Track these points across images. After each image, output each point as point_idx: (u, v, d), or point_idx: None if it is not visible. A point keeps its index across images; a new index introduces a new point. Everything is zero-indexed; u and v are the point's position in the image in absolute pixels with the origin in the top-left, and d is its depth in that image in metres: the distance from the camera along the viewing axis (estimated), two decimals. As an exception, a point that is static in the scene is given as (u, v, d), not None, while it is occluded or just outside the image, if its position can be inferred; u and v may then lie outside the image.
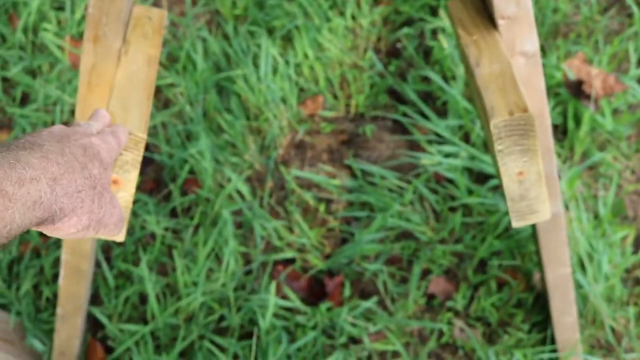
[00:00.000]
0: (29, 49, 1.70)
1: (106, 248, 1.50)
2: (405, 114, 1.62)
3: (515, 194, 0.90)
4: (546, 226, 1.17)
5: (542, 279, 1.32)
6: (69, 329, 1.30)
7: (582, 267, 1.44)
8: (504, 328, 1.43)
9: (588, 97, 1.56)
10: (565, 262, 1.23)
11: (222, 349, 1.42)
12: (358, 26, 1.71)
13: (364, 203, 1.54)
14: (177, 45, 1.69)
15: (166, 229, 1.52)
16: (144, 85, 0.89)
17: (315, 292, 1.47)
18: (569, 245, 1.35)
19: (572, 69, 1.59)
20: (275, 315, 1.43)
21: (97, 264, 1.47)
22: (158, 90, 1.65)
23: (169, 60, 1.68)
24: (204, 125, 1.58)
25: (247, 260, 1.50)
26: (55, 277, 1.47)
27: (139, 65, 0.90)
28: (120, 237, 0.80)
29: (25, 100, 1.66)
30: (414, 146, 1.59)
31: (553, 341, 1.38)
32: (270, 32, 1.70)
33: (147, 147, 1.58)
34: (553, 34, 1.69)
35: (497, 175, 0.97)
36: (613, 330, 1.41)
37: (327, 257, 1.50)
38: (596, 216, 1.50)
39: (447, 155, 1.55)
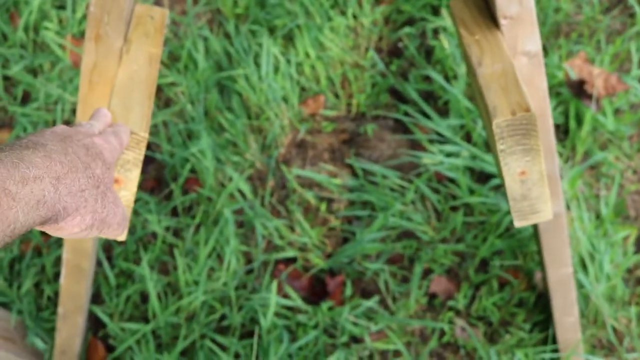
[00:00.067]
0: (30, 47, 1.69)
1: (107, 247, 1.50)
2: (406, 114, 1.62)
3: (517, 194, 0.90)
4: (548, 226, 1.17)
5: (544, 279, 1.32)
6: (70, 327, 1.30)
7: (584, 266, 1.44)
8: (505, 327, 1.43)
9: (590, 96, 1.56)
10: (566, 262, 1.23)
11: (223, 348, 1.41)
12: (359, 25, 1.70)
13: (365, 202, 1.54)
14: (178, 44, 1.68)
15: (167, 228, 1.52)
16: (146, 84, 0.89)
17: (316, 291, 1.47)
18: (570, 245, 1.35)
19: (574, 68, 1.58)
20: (277, 314, 1.43)
21: (99, 263, 1.47)
22: (159, 89, 1.65)
23: (171, 59, 1.68)
24: (205, 124, 1.58)
25: (248, 259, 1.50)
26: (57, 275, 1.47)
27: (141, 64, 0.90)
28: (122, 236, 0.79)
29: (26, 99, 1.66)
30: (416, 145, 1.59)
31: (554, 341, 1.38)
32: (272, 31, 1.70)
33: (149, 146, 1.58)
34: (555, 33, 1.69)
35: (499, 175, 0.97)
36: (615, 330, 1.41)
37: (329, 256, 1.50)
38: (598, 216, 1.50)
39: (449, 154, 1.55)
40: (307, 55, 1.66)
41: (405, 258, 1.49)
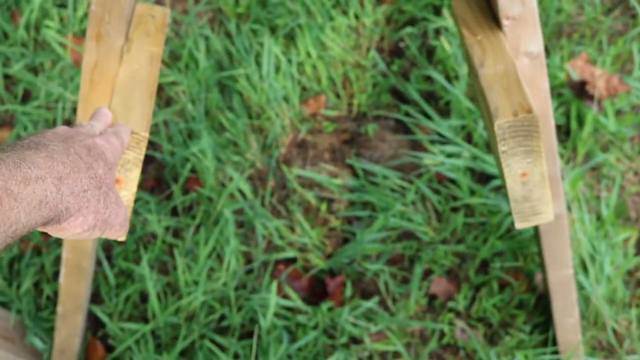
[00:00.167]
0: (31, 46, 1.69)
1: (107, 246, 1.50)
2: (407, 114, 1.61)
3: (518, 195, 0.90)
4: (549, 227, 1.17)
5: (544, 280, 1.32)
6: (70, 327, 1.30)
7: (584, 268, 1.43)
8: (505, 329, 1.43)
9: (591, 97, 1.55)
10: (567, 264, 1.23)
11: (222, 349, 1.41)
12: (361, 25, 1.70)
13: (366, 203, 1.53)
14: (179, 44, 1.68)
15: (167, 228, 1.51)
16: (146, 84, 0.88)
17: (316, 292, 1.47)
18: (571, 247, 1.34)
19: (576, 69, 1.58)
20: (276, 314, 1.42)
21: (98, 263, 1.47)
22: (160, 89, 1.64)
23: (172, 59, 1.68)
24: (206, 124, 1.58)
25: (248, 259, 1.50)
26: (56, 275, 1.47)
27: (142, 64, 0.90)
28: (122, 236, 0.79)
29: (27, 97, 1.66)
30: (416, 146, 1.58)
31: (555, 342, 1.38)
32: (273, 30, 1.69)
33: (149, 145, 1.58)
34: (557, 34, 1.69)
35: (500, 176, 0.97)
36: (615, 332, 1.41)
37: (329, 256, 1.50)
38: (599, 217, 1.50)
39: (450, 155, 1.55)
40: (309, 54, 1.66)
41: (405, 259, 1.49)
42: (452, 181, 1.54)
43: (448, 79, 1.63)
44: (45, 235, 1.49)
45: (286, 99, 1.61)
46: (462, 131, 1.57)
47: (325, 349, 1.41)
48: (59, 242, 1.48)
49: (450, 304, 1.44)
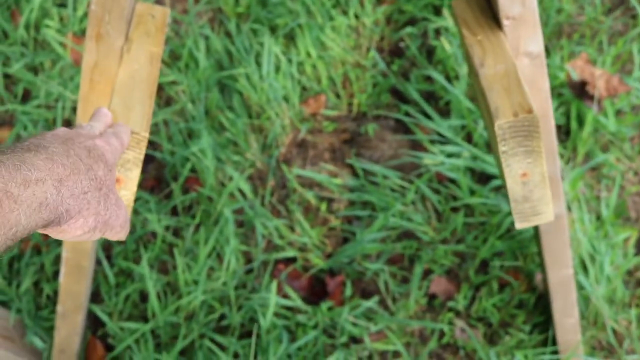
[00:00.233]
0: (31, 45, 1.69)
1: (107, 246, 1.50)
2: (407, 114, 1.61)
3: (518, 196, 0.90)
4: (549, 227, 1.17)
5: (544, 280, 1.32)
6: (69, 326, 1.29)
7: (584, 268, 1.43)
8: (505, 329, 1.43)
9: (591, 97, 1.55)
10: (567, 264, 1.23)
11: (222, 348, 1.41)
12: (361, 25, 1.70)
13: (366, 202, 1.53)
14: (179, 43, 1.68)
15: (167, 227, 1.51)
16: (146, 83, 0.88)
17: (316, 292, 1.47)
18: (571, 247, 1.34)
19: (576, 69, 1.58)
20: (276, 314, 1.42)
21: (98, 262, 1.47)
22: (160, 88, 1.64)
23: (172, 58, 1.68)
24: (206, 124, 1.58)
25: (248, 259, 1.50)
26: (56, 274, 1.47)
27: (142, 63, 0.90)
28: (123, 237, 0.79)
29: (26, 97, 1.66)
30: (416, 146, 1.58)
31: (554, 342, 1.38)
32: (273, 30, 1.69)
33: (149, 145, 1.57)
34: (557, 34, 1.69)
35: (501, 176, 0.97)
36: (614, 332, 1.41)
37: (329, 256, 1.50)
38: (598, 217, 1.50)
39: (450, 155, 1.55)
40: (309, 54, 1.66)
41: (405, 258, 1.49)
42: (452, 181, 1.54)
43: (448, 79, 1.63)
44: (45, 234, 1.49)
45: (286, 99, 1.61)
46: (462, 131, 1.57)
47: (325, 348, 1.41)
48: (58, 242, 1.48)
49: (450, 304, 1.44)
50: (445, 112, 1.61)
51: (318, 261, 1.48)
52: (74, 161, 0.60)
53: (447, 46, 1.63)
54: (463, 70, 1.60)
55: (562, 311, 1.30)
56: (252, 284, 1.46)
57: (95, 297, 1.46)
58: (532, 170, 0.88)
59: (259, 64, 1.64)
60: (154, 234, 1.51)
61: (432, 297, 1.46)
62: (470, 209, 1.52)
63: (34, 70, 1.68)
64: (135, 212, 1.51)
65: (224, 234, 1.47)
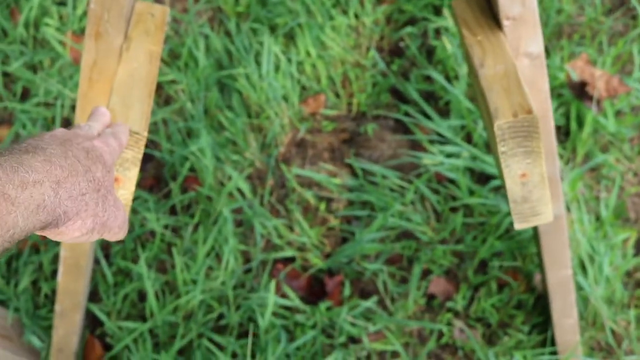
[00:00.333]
0: (30, 43, 1.69)
1: (105, 245, 1.50)
2: (407, 114, 1.61)
3: (517, 196, 0.90)
4: (548, 228, 1.16)
5: (543, 281, 1.32)
6: (68, 325, 1.29)
7: (583, 269, 1.43)
8: (504, 329, 1.43)
9: (591, 98, 1.55)
10: (566, 264, 1.22)
11: (220, 348, 1.41)
12: (361, 25, 1.70)
13: (365, 202, 1.53)
14: (179, 42, 1.68)
15: (166, 227, 1.51)
16: (145, 82, 0.88)
17: (314, 291, 1.47)
18: (570, 247, 1.34)
19: (576, 70, 1.58)
20: (275, 314, 1.42)
21: (96, 261, 1.46)
22: (159, 87, 1.64)
23: (171, 57, 1.68)
24: (205, 123, 1.58)
25: (246, 258, 1.49)
26: (54, 273, 1.47)
27: (141, 62, 0.89)
28: (121, 238, 0.79)
29: (25, 95, 1.66)
30: (416, 146, 1.58)
31: (553, 343, 1.38)
32: (273, 29, 1.69)
33: (148, 144, 1.57)
34: (557, 34, 1.69)
35: (500, 177, 0.97)
36: (613, 332, 1.41)
37: (327, 256, 1.49)
38: (598, 218, 1.50)
39: (449, 155, 1.55)
40: (308, 54, 1.66)
41: (404, 258, 1.49)
42: (452, 181, 1.54)
43: (448, 79, 1.63)
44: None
45: (285, 98, 1.61)
46: (461, 131, 1.57)
47: (324, 348, 1.41)
48: (57, 241, 1.48)
49: (449, 304, 1.44)
50: (444, 112, 1.60)
51: (317, 261, 1.48)
52: (72, 163, 0.60)
53: (447, 46, 1.63)
54: (463, 70, 1.60)
55: (561, 312, 1.30)
56: (251, 284, 1.46)
57: (94, 296, 1.46)
58: (532, 171, 0.88)
59: (258, 63, 1.64)
60: (152, 233, 1.51)
61: (430, 297, 1.46)
62: (469, 209, 1.51)
63: (33, 68, 1.68)
64: (134, 211, 1.51)
65: (222, 233, 1.47)
